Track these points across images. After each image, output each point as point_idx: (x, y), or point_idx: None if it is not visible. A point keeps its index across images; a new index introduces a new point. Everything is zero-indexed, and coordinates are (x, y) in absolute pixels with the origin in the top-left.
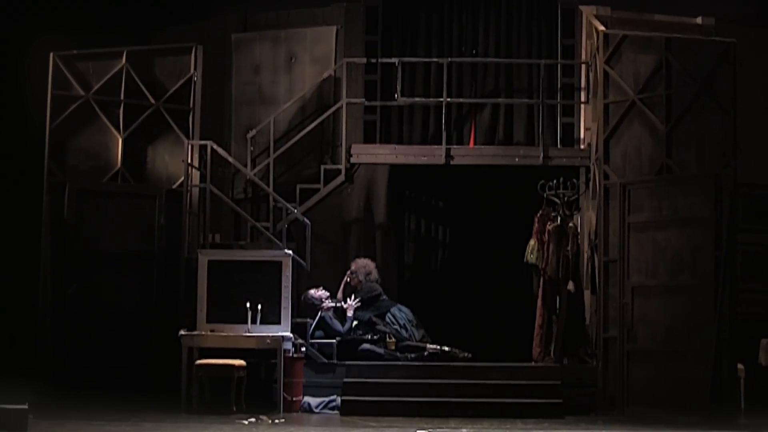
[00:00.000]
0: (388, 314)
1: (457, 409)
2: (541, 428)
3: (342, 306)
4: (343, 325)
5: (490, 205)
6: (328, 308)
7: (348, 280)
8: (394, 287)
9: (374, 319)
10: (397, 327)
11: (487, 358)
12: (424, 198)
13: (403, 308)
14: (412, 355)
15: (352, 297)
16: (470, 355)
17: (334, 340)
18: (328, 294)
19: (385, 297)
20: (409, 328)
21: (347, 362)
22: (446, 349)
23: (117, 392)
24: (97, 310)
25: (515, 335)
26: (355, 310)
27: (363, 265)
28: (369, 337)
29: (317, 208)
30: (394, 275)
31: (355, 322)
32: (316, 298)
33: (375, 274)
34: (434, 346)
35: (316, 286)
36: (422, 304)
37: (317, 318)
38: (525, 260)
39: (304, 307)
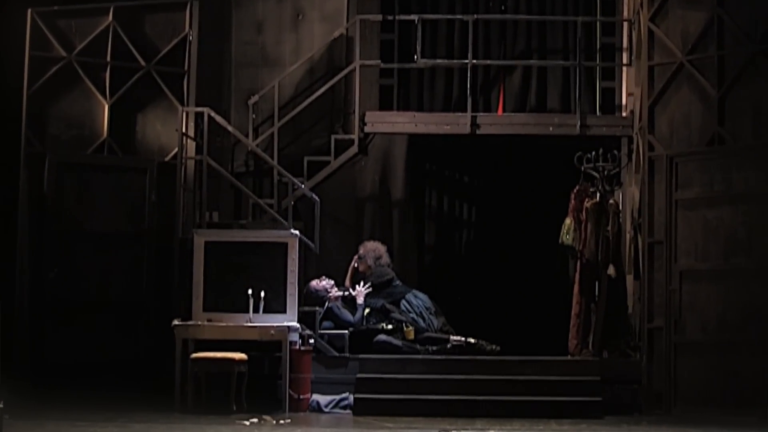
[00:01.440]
0: (403, 301)
1: (485, 408)
2: (579, 429)
3: (351, 294)
4: (353, 314)
5: (520, 179)
6: (336, 297)
7: (356, 265)
8: (413, 271)
9: (388, 306)
10: (413, 315)
11: (518, 351)
12: (446, 172)
13: (420, 294)
14: (434, 348)
15: (362, 283)
16: (499, 348)
17: (345, 331)
18: (332, 282)
19: (398, 282)
20: (426, 316)
21: (361, 356)
22: (472, 340)
23: (103, 389)
24: (80, 298)
25: (549, 325)
26: (366, 296)
27: (372, 248)
28: (383, 326)
29: (327, 183)
30: (413, 258)
31: (366, 310)
32: (321, 289)
33: (386, 258)
34: (458, 338)
35: (318, 277)
36: (445, 290)
37: (324, 309)
38: (560, 241)
39: (308, 301)
